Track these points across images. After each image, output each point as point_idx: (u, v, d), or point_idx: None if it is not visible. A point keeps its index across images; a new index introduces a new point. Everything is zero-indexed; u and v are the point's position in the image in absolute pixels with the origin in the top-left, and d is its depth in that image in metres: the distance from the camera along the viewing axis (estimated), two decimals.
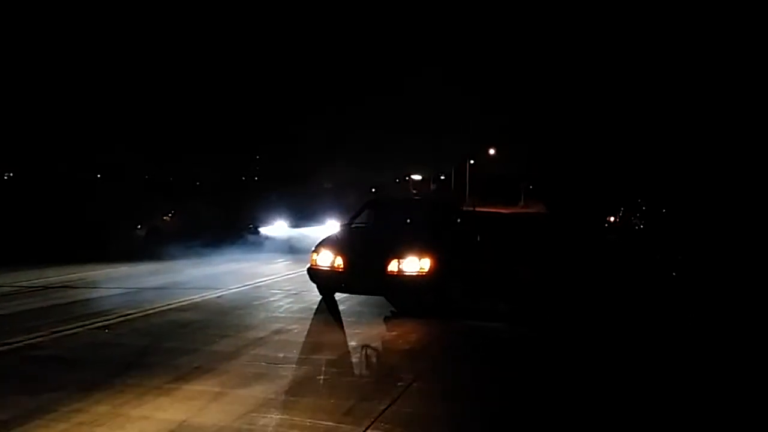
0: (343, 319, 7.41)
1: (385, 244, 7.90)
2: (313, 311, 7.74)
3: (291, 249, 15.72)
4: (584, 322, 7.55)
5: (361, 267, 7.59)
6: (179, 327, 6.75)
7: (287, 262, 13.05)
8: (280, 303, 8.31)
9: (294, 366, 5.30)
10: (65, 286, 9.55)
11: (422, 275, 7.42)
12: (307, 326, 6.89)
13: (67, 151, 25.16)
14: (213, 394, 4.54)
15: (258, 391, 4.59)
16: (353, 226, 9.15)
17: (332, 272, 7.72)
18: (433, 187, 53.86)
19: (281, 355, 5.64)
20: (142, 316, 7.25)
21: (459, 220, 10.88)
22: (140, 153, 25.66)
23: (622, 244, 20.44)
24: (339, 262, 7.70)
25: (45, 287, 9.45)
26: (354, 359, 5.64)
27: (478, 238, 11.01)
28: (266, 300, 8.52)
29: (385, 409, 4.24)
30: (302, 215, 20.46)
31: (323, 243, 8.18)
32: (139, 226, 16.85)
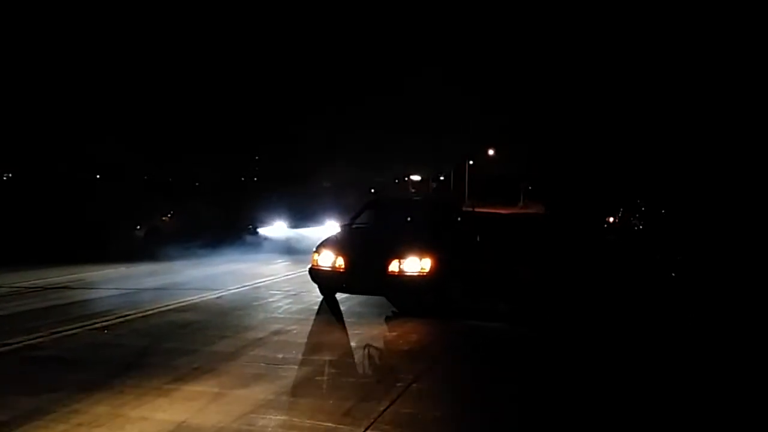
0: (342, 319, 7.41)
1: (385, 245, 7.93)
2: (313, 312, 7.74)
3: (290, 250, 15.71)
4: (584, 322, 7.55)
5: (362, 267, 7.62)
6: (178, 328, 6.75)
7: (286, 263, 13.05)
8: (280, 304, 8.31)
9: (293, 367, 5.30)
10: (64, 287, 9.55)
11: (423, 275, 7.44)
12: (307, 327, 6.89)
13: (66, 152, 25.14)
14: (212, 394, 4.54)
15: (257, 392, 4.59)
16: (354, 226, 9.17)
17: (333, 272, 7.76)
18: (433, 185, 53.82)
19: (280, 355, 5.64)
20: (141, 317, 7.25)
21: (459, 221, 10.89)
22: (140, 153, 25.64)
23: (622, 244, 20.45)
24: (340, 262, 7.73)
25: (44, 288, 9.44)
26: (353, 360, 5.64)
27: (478, 239, 11.01)
28: (265, 301, 8.52)
29: (385, 409, 4.24)
30: (301, 216, 20.44)
31: (324, 243, 8.21)
32: (138, 227, 16.85)
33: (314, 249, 8.14)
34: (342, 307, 8.06)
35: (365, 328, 6.88)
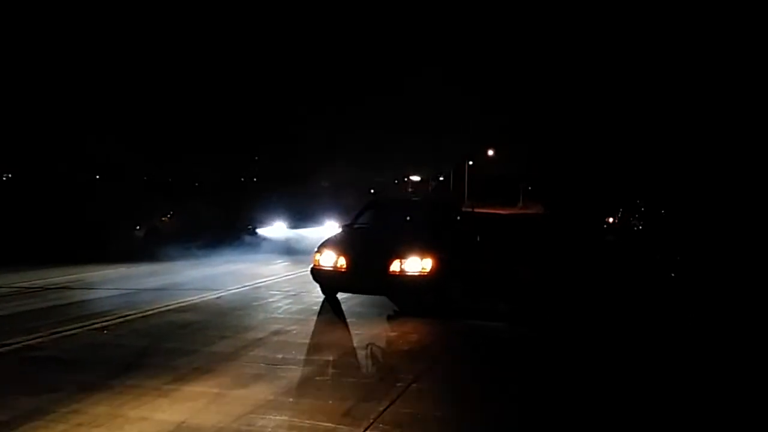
0: (342, 319, 7.41)
1: (386, 245, 7.97)
2: (312, 312, 7.74)
3: (290, 250, 15.71)
4: (584, 322, 7.56)
5: (364, 267, 7.67)
6: (178, 328, 6.75)
7: (286, 263, 13.05)
8: (279, 304, 8.31)
9: (293, 367, 5.30)
10: (64, 287, 9.55)
11: (424, 275, 7.48)
12: (306, 327, 6.89)
13: (66, 152, 25.14)
14: (212, 395, 4.54)
15: (257, 392, 4.59)
16: (355, 226, 9.22)
17: (335, 272, 7.80)
18: (432, 184, 53.76)
19: (280, 356, 5.64)
20: (141, 317, 7.25)
21: (459, 221, 10.90)
22: (140, 153, 25.65)
23: (621, 244, 20.46)
24: (342, 262, 7.77)
25: (44, 288, 9.44)
26: (353, 360, 5.64)
27: (478, 239, 11.02)
28: (265, 301, 8.52)
29: (385, 409, 4.24)
30: (301, 216, 20.43)
31: (326, 243, 8.26)
32: (138, 227, 16.85)
33: (316, 249, 8.18)
34: (342, 307, 8.06)
35: (365, 328, 6.88)
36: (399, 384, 4.81)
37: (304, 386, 4.80)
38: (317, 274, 8.02)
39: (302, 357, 5.63)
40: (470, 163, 51.58)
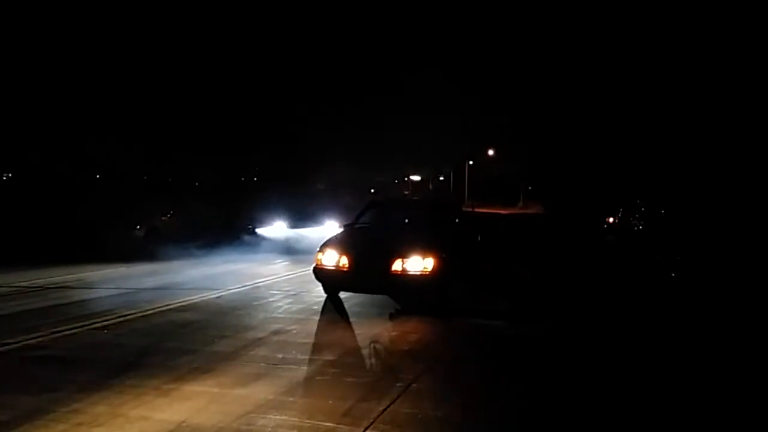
0: (343, 319, 7.41)
1: (388, 244, 8.02)
2: (313, 312, 7.75)
3: (289, 250, 15.72)
4: (585, 322, 7.55)
5: (366, 266, 7.72)
6: (178, 327, 6.75)
7: (286, 263, 13.06)
8: (280, 303, 8.32)
9: (293, 366, 5.30)
10: (64, 287, 9.55)
11: (425, 274, 7.52)
12: (307, 327, 6.89)
13: (66, 152, 25.16)
14: (212, 394, 4.54)
15: (257, 392, 4.59)
16: (357, 226, 9.25)
17: (337, 271, 7.84)
18: (431, 187, 53.75)
19: (280, 355, 5.64)
20: (141, 317, 7.25)
21: (459, 221, 10.92)
22: (140, 153, 25.67)
23: (622, 244, 20.46)
24: (344, 261, 7.81)
25: (44, 288, 9.45)
26: (354, 359, 5.64)
27: (479, 238, 11.04)
28: (265, 300, 8.52)
29: (385, 409, 4.24)
30: (301, 216, 20.44)
31: (328, 243, 8.29)
32: (138, 227, 16.87)
33: (318, 249, 8.22)
34: (343, 306, 8.07)
35: (366, 328, 6.88)
36: (399, 383, 4.81)
37: (304, 386, 4.80)
38: (320, 273, 8.06)
39: (302, 356, 5.63)
40: (470, 162, 51.59)
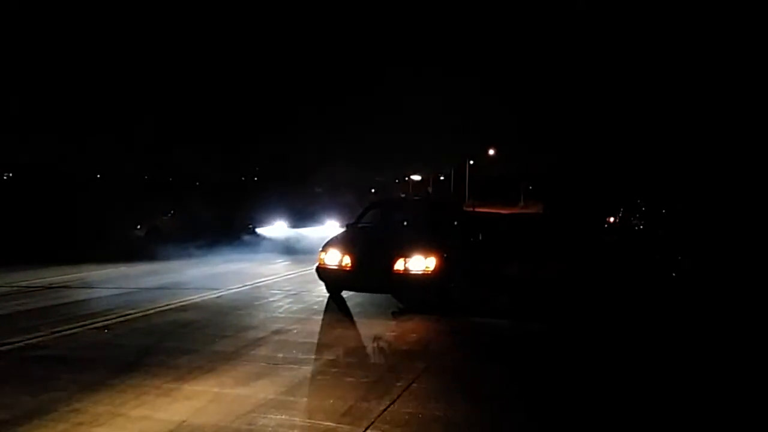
0: (343, 318, 7.41)
1: (391, 244, 8.06)
2: (313, 311, 7.75)
3: (290, 249, 15.72)
4: (585, 321, 7.55)
5: (368, 266, 7.75)
6: (179, 327, 6.75)
7: (286, 263, 13.06)
8: (280, 303, 8.32)
9: (294, 366, 5.30)
10: (65, 286, 9.55)
11: (427, 274, 7.55)
12: (307, 326, 6.89)
13: (67, 151, 25.20)
14: (212, 394, 4.54)
15: (258, 391, 4.59)
16: (359, 226, 9.27)
17: (340, 271, 7.87)
18: (429, 190, 53.71)
19: (281, 355, 5.64)
20: (141, 316, 7.25)
21: (461, 220, 10.95)
22: (140, 153, 25.71)
23: (622, 244, 20.45)
24: (347, 261, 7.84)
25: (45, 287, 9.45)
26: (354, 359, 5.63)
27: (480, 237, 11.06)
28: (266, 300, 8.52)
29: (385, 409, 4.24)
30: (302, 215, 20.46)
31: (331, 242, 8.32)
32: (138, 226, 16.89)
33: (321, 248, 8.25)
34: (344, 306, 8.07)
35: (367, 327, 6.88)
36: (400, 383, 4.81)
37: (304, 385, 4.80)
38: (322, 272, 8.09)
39: (303, 356, 5.63)
40: (471, 162, 51.61)
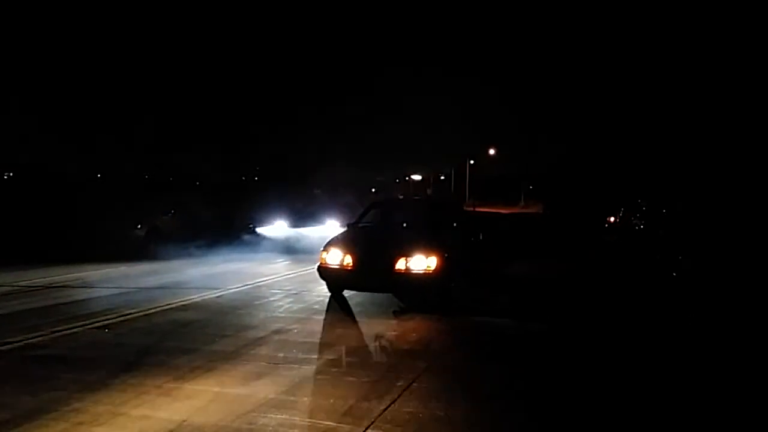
0: (344, 318, 7.41)
1: (392, 244, 8.07)
2: (314, 311, 7.74)
3: (290, 249, 15.72)
4: (586, 321, 7.54)
5: (370, 265, 7.77)
6: (179, 327, 6.75)
7: (287, 262, 13.06)
8: (280, 303, 8.31)
9: (294, 366, 5.29)
10: (65, 286, 9.56)
11: (429, 273, 7.57)
12: (308, 326, 6.89)
13: (67, 151, 25.23)
14: (213, 393, 4.54)
15: (258, 391, 4.59)
16: (360, 225, 9.28)
17: (342, 270, 7.88)
18: (429, 191, 53.69)
19: (281, 354, 5.64)
20: (142, 316, 7.25)
21: (462, 220, 10.96)
22: (141, 153, 25.72)
23: (622, 244, 20.44)
24: (348, 260, 7.86)
25: (45, 287, 9.45)
26: (355, 358, 5.63)
27: (480, 237, 11.07)
28: (266, 300, 8.52)
29: (385, 409, 4.24)
30: (302, 215, 20.46)
31: (332, 242, 8.34)
32: (139, 226, 16.90)
33: (322, 248, 8.26)
34: (345, 305, 8.07)
35: (367, 326, 6.87)
36: (400, 383, 4.80)
37: (305, 385, 4.80)
38: (324, 272, 8.10)
39: (303, 356, 5.63)
40: (471, 162, 51.59)
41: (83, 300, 8.30)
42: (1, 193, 22.23)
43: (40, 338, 6.09)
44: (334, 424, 3.97)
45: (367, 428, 3.91)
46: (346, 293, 8.50)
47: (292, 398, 4.46)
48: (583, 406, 4.52)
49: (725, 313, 8.10)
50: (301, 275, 10.83)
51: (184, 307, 7.83)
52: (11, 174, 26.73)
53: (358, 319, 7.33)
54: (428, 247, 7.72)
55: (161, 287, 9.42)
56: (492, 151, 50.01)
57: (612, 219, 27.60)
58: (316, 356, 5.64)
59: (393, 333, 6.63)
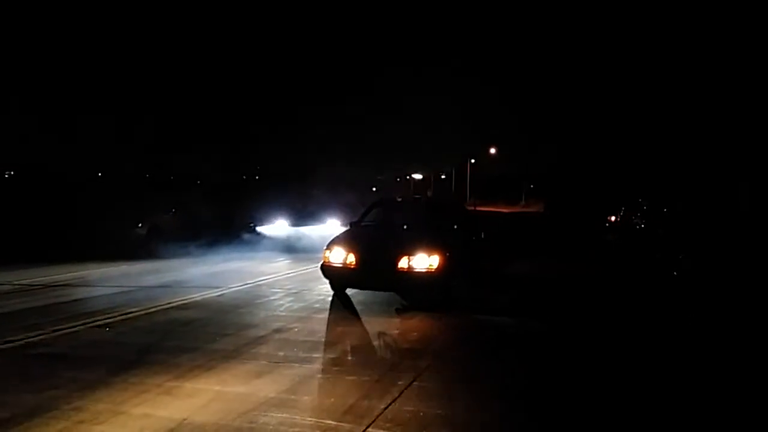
0: (345, 316, 7.40)
1: (394, 242, 8.11)
2: (314, 310, 7.74)
3: (291, 248, 15.72)
4: (587, 319, 7.54)
5: (373, 264, 7.80)
6: (180, 325, 6.75)
7: (287, 261, 13.06)
8: (281, 302, 8.31)
9: (295, 364, 5.29)
10: (66, 285, 9.56)
11: (431, 272, 7.59)
12: (308, 325, 6.88)
13: (68, 150, 25.24)
14: (214, 392, 4.53)
15: (259, 390, 4.59)
16: (363, 224, 9.30)
17: (344, 269, 7.91)
18: (429, 193, 53.66)
19: (282, 353, 5.64)
20: (143, 315, 7.25)
21: (463, 219, 10.96)
22: (141, 152, 25.73)
23: (623, 243, 20.44)
24: (351, 259, 7.89)
25: (46, 286, 9.45)
26: (356, 357, 5.63)
27: (482, 236, 11.07)
28: (267, 299, 8.52)
29: (386, 407, 4.23)
30: (303, 214, 20.47)
31: (335, 241, 8.37)
32: (140, 224, 16.89)
33: (325, 246, 8.29)
34: (346, 304, 8.07)
35: (368, 325, 6.87)
36: (401, 381, 4.80)
37: (306, 384, 4.79)
38: (327, 270, 8.13)
39: (304, 354, 5.62)
40: (472, 161, 51.58)
41: (84, 299, 8.30)
42: (1, 192, 22.24)
43: (41, 337, 6.09)
44: (335, 422, 3.96)
45: (367, 427, 3.90)
46: (350, 291, 8.51)
47: (292, 397, 4.46)
48: (583, 406, 4.51)
49: (725, 312, 8.10)
50: (301, 274, 10.83)
51: (185, 306, 7.83)
52: (12, 173, 26.76)
53: (359, 317, 7.33)
54: (430, 246, 7.74)
55: (162, 286, 9.42)
56: (493, 151, 50.00)
57: (613, 218, 27.61)
58: (317, 355, 5.64)
59: (395, 331, 6.62)
